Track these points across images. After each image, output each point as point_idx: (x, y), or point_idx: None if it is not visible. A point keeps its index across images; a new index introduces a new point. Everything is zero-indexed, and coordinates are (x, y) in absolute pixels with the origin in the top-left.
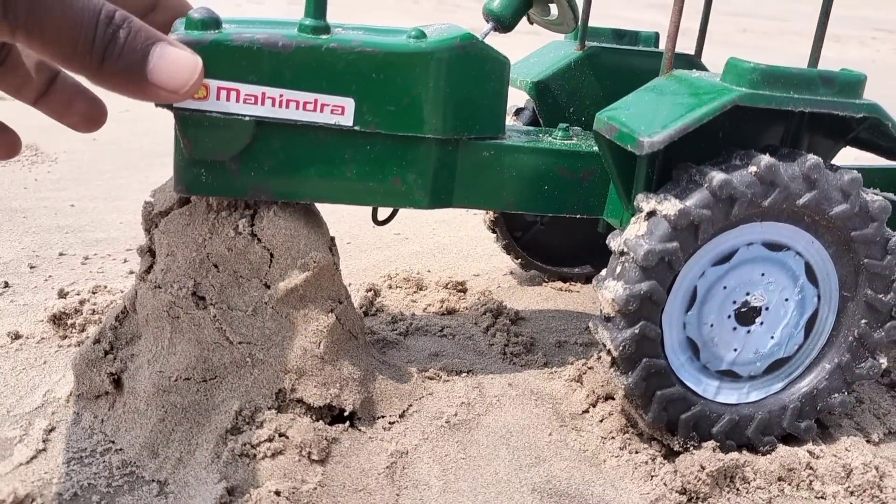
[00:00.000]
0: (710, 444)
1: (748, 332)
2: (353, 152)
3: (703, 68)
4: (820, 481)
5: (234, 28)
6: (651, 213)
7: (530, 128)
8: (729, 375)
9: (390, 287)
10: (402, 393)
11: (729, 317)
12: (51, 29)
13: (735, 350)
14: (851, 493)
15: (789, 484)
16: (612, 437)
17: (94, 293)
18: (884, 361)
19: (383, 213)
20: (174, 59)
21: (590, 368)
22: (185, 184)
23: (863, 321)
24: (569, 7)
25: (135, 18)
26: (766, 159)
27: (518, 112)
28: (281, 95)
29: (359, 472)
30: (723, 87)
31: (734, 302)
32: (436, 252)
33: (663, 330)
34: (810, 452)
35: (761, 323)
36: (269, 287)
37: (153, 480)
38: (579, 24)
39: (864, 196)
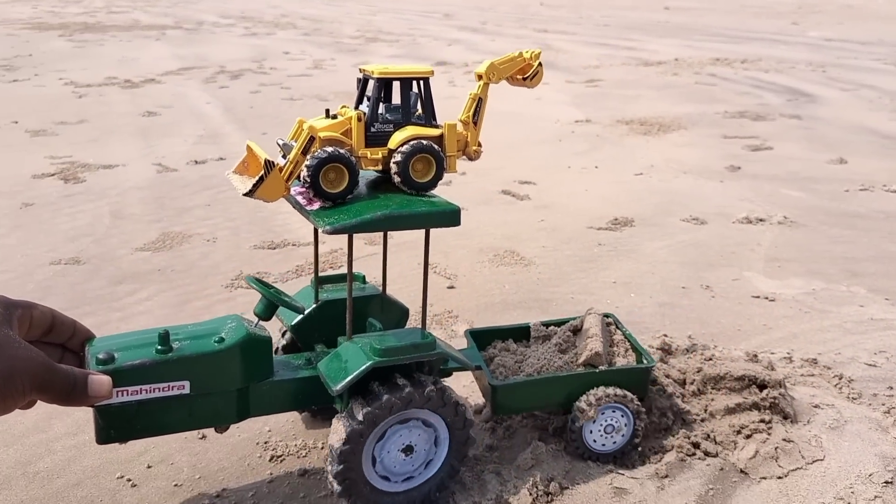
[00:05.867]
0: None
1: (410, 457)
2: (190, 404)
3: (389, 301)
4: None
5: (122, 356)
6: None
7: (291, 356)
8: (408, 479)
9: None
10: None
11: (399, 452)
12: (52, 392)
13: (405, 466)
14: None
15: None
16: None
17: None
18: (461, 465)
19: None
20: (99, 382)
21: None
22: (102, 437)
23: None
24: (288, 308)
25: (76, 369)
26: (387, 398)
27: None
28: (149, 387)
29: None
30: (364, 357)
31: (398, 448)
32: None
33: (363, 468)
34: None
35: (414, 451)
36: None
37: None
38: (314, 286)
39: (448, 392)
